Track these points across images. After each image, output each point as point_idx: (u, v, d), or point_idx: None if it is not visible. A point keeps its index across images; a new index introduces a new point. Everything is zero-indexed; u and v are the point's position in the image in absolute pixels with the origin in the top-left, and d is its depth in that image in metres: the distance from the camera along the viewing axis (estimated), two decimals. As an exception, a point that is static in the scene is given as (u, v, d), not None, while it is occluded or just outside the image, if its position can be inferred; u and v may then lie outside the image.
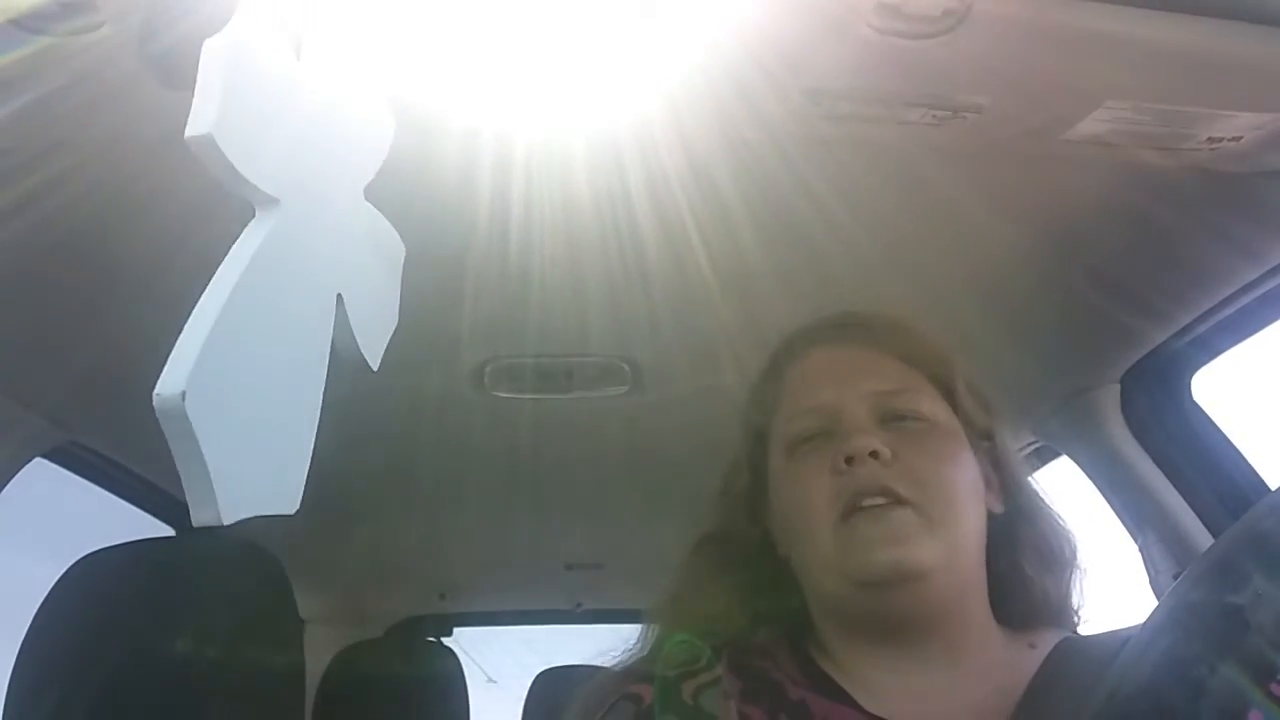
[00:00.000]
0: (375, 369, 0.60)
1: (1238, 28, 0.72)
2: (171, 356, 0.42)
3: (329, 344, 0.55)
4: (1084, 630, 0.85)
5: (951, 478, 0.78)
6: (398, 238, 0.64)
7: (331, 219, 0.56)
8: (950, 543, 0.75)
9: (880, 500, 0.74)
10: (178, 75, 0.73)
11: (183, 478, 0.43)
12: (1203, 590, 0.47)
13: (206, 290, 0.45)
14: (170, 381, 0.41)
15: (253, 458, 0.47)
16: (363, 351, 0.59)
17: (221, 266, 0.47)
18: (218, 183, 0.47)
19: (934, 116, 0.82)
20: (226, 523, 0.44)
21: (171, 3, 0.67)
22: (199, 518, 0.44)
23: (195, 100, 0.46)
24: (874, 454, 0.76)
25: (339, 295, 0.56)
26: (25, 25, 0.68)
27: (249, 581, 1.18)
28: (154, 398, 0.41)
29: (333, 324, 0.56)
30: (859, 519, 0.74)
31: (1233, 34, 0.73)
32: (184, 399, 0.41)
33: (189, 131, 0.45)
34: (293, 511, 0.50)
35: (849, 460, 0.76)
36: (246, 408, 0.47)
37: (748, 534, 0.88)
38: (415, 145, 0.62)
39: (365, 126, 0.61)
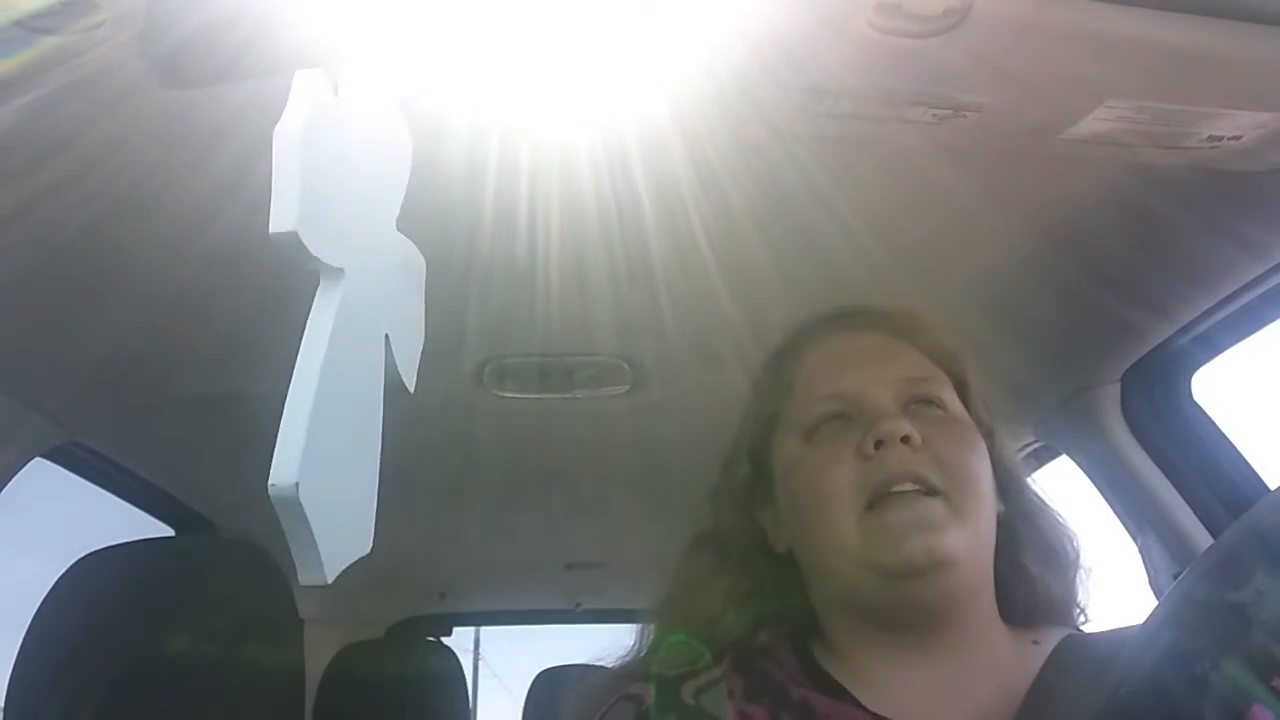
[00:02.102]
0: (412, 391, 0.60)
1: (1238, 28, 0.72)
2: (279, 445, 0.45)
3: (382, 386, 0.56)
4: (1087, 629, 0.85)
5: (976, 468, 0.77)
6: (419, 254, 0.64)
7: (376, 262, 0.56)
8: (974, 534, 0.74)
9: (910, 487, 0.73)
10: (179, 74, 0.73)
11: (292, 548, 0.46)
12: (1206, 587, 0.47)
13: (295, 372, 0.47)
14: (283, 472, 0.44)
15: (341, 515, 0.50)
16: (403, 378, 0.59)
17: (304, 346, 0.48)
18: (293, 267, 0.48)
19: (935, 115, 0.82)
20: (329, 581, 0.48)
21: (173, 2, 0.67)
22: (306, 579, 0.47)
23: (275, 194, 0.46)
24: (905, 439, 0.74)
25: (386, 335, 0.57)
26: (27, 25, 0.68)
27: (249, 581, 1.18)
28: (269, 488, 0.44)
29: (384, 366, 0.57)
30: (889, 506, 0.73)
31: (1233, 34, 0.73)
32: (298, 490, 0.44)
33: (273, 229, 0.46)
34: (368, 552, 0.52)
35: (879, 444, 0.75)
36: (339, 475, 0.50)
37: (743, 532, 0.87)
38: (419, 145, 0.62)
39: (393, 154, 0.61)
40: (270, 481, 0.44)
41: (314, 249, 0.47)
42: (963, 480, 0.75)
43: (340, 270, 0.50)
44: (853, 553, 0.74)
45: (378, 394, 0.55)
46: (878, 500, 0.73)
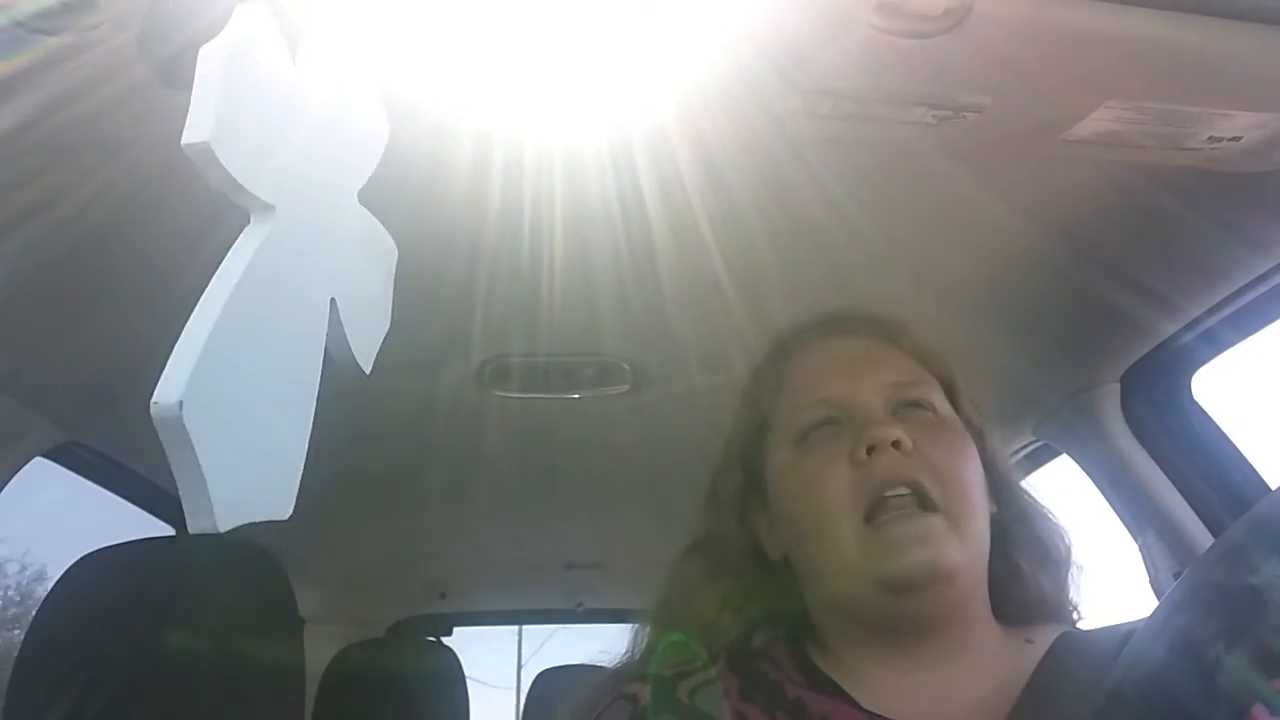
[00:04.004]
0: (368, 372, 0.60)
1: (1238, 27, 0.72)
2: (168, 365, 0.43)
3: (322, 349, 0.55)
4: (1081, 626, 0.85)
5: (968, 473, 0.78)
6: (391, 240, 0.64)
7: (325, 223, 0.56)
8: (971, 542, 0.75)
9: (904, 491, 0.73)
10: (180, 76, 0.73)
11: (179, 485, 0.43)
12: (1223, 570, 0.47)
13: (202, 298, 0.46)
14: (167, 391, 0.42)
15: (248, 464, 0.47)
16: (355, 355, 0.59)
17: (217, 274, 0.47)
18: (215, 190, 0.47)
19: (935, 116, 0.82)
20: (222, 529, 0.44)
21: (173, 3, 0.67)
22: (195, 525, 0.44)
23: (192, 106, 0.46)
24: (896, 444, 0.75)
25: (332, 300, 0.56)
26: (27, 25, 0.68)
27: (249, 581, 1.18)
28: (151, 406, 0.41)
29: (326, 329, 0.56)
30: (887, 520, 0.73)
31: (1233, 34, 0.73)
32: (181, 408, 0.41)
33: (185, 139, 0.45)
34: (286, 517, 0.50)
35: (870, 450, 0.75)
36: (242, 415, 0.47)
37: (737, 538, 0.87)
38: (423, 146, 0.62)
39: (361, 129, 0.61)
40: (152, 400, 0.41)
41: (233, 169, 0.46)
42: (956, 486, 0.75)
43: (271, 207, 0.49)
44: (851, 564, 0.74)
45: (314, 357, 0.54)
46: (874, 509, 0.74)
